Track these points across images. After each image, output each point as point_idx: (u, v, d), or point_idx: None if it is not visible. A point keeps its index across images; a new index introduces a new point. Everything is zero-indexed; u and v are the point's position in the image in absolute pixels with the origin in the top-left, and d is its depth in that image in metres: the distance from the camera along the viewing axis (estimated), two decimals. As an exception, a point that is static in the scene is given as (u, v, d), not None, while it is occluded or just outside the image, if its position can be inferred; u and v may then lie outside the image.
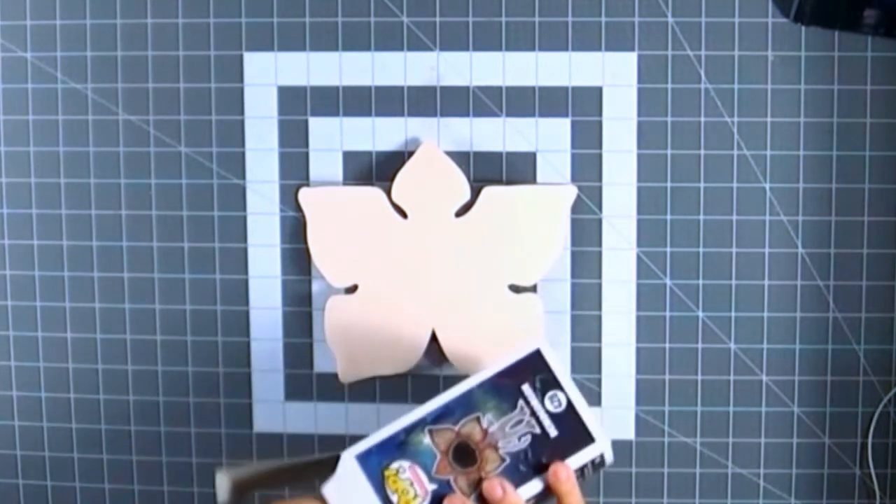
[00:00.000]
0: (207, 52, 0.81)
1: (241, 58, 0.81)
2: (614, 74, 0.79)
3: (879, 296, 0.79)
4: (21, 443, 0.85)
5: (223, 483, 0.63)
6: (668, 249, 0.80)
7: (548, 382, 0.61)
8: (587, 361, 0.81)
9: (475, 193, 0.79)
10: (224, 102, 0.81)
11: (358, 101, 0.81)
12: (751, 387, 0.80)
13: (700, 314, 0.80)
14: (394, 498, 0.60)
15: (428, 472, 0.60)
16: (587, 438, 0.60)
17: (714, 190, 0.79)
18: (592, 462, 0.61)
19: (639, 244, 0.80)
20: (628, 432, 0.81)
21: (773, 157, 0.79)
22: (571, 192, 0.79)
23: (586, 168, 0.80)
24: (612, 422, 0.81)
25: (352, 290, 0.81)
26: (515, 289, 0.80)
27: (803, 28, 0.77)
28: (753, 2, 0.78)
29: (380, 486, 0.60)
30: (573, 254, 0.80)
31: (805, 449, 0.81)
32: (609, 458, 0.62)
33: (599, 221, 0.80)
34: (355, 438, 0.82)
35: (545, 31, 0.79)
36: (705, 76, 0.79)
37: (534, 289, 0.80)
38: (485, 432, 0.61)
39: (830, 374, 0.80)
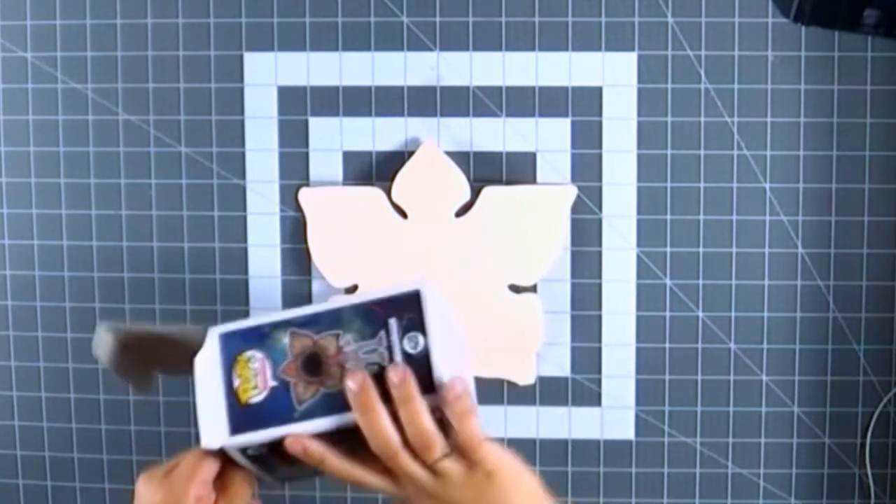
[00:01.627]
0: (207, 52, 0.81)
1: (241, 58, 0.81)
2: (614, 74, 0.79)
3: (879, 296, 0.79)
4: (21, 443, 0.85)
5: (106, 339, 0.64)
6: (668, 249, 0.80)
7: (414, 323, 0.60)
8: (587, 361, 0.81)
9: (475, 193, 0.79)
10: (224, 102, 0.81)
11: (358, 101, 0.81)
12: (751, 387, 0.80)
13: (700, 314, 0.80)
14: (236, 382, 0.61)
15: (275, 370, 0.61)
16: (428, 387, 0.58)
17: (714, 190, 0.79)
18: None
19: (639, 244, 0.80)
20: (628, 432, 0.81)
21: (773, 157, 0.79)
22: (571, 192, 0.79)
23: (586, 168, 0.80)
24: (612, 422, 0.81)
25: (352, 290, 0.81)
26: (515, 289, 0.80)
27: (803, 28, 0.77)
28: (753, 2, 0.78)
29: (229, 368, 0.61)
30: (573, 254, 0.80)
31: (805, 449, 0.81)
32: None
33: (599, 221, 0.80)
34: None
35: (545, 31, 0.79)
36: (705, 76, 0.79)
37: (534, 289, 0.80)
38: (339, 349, 0.60)
39: (830, 374, 0.80)
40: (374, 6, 0.80)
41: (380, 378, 0.58)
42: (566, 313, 0.81)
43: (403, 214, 0.80)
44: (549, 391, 0.81)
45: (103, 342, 0.65)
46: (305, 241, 0.81)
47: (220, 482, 0.64)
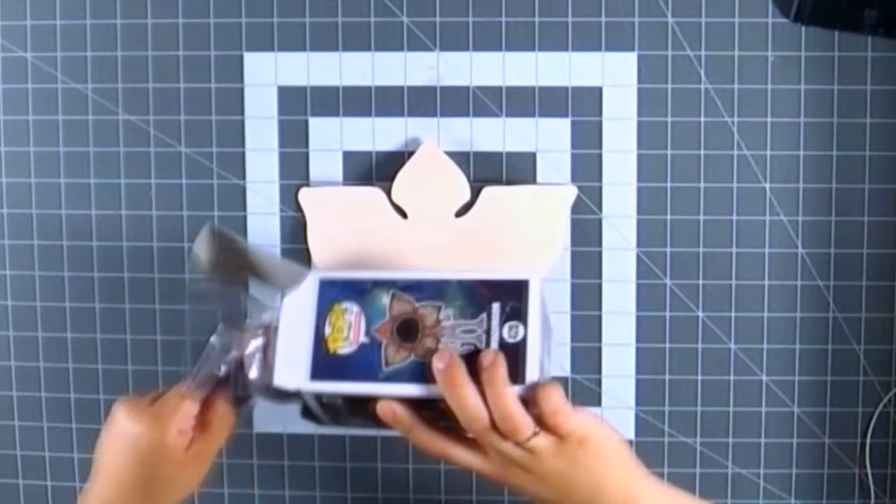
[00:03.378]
0: (207, 52, 0.81)
1: (241, 58, 0.81)
2: (614, 74, 0.79)
3: (879, 296, 0.79)
4: (21, 443, 0.85)
5: (208, 242, 0.67)
6: (668, 249, 0.80)
7: (516, 312, 0.60)
8: (587, 361, 0.81)
9: (475, 193, 0.79)
10: (224, 102, 0.81)
11: (358, 101, 0.81)
12: (751, 387, 0.80)
13: (700, 314, 0.80)
14: (327, 330, 0.61)
15: (369, 326, 0.61)
16: (519, 377, 0.58)
17: (714, 190, 0.79)
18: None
19: (639, 244, 0.80)
20: (628, 432, 0.81)
21: (773, 157, 0.79)
22: (571, 192, 0.79)
23: (586, 168, 0.80)
24: (612, 422, 0.81)
25: (352, 290, 0.81)
26: (515, 289, 0.80)
27: (803, 28, 0.77)
28: (753, 2, 0.78)
29: (323, 314, 0.62)
30: (573, 254, 0.80)
31: (805, 449, 0.81)
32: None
33: (599, 221, 0.80)
34: (355, 439, 0.82)
35: (545, 31, 0.79)
36: (705, 76, 0.79)
37: (534, 289, 0.80)
38: (437, 322, 0.60)
39: (830, 374, 0.80)
40: (374, 6, 0.80)
41: (471, 358, 0.58)
42: (566, 313, 0.81)
43: (403, 214, 0.80)
44: (549, 391, 0.81)
45: (205, 243, 0.67)
46: (305, 241, 0.81)
47: (200, 421, 0.64)
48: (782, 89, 0.79)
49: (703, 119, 0.79)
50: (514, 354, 0.59)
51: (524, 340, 0.59)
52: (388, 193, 0.80)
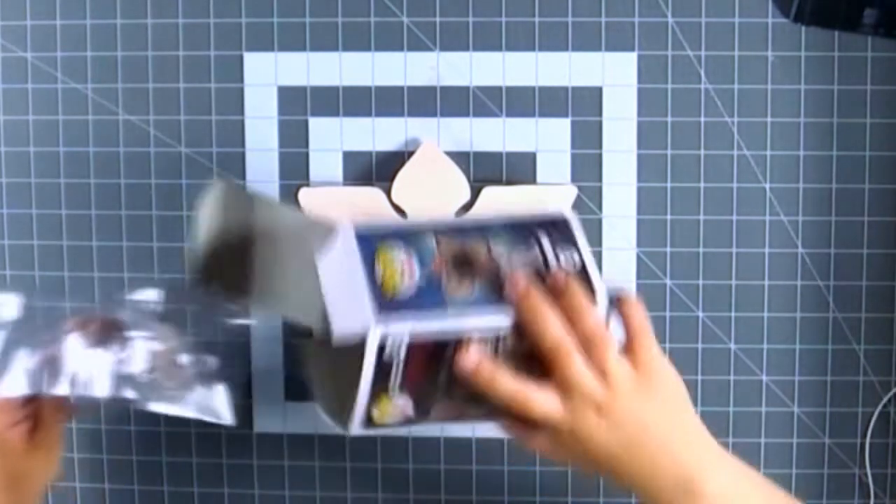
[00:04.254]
0: (207, 52, 0.81)
1: (241, 58, 0.81)
2: (614, 74, 0.79)
3: (879, 296, 0.79)
4: (21, 443, 0.84)
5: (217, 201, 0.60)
6: (668, 249, 0.80)
7: (566, 240, 0.58)
8: (587, 361, 0.81)
9: (475, 193, 0.79)
10: (224, 102, 0.81)
11: (358, 101, 0.81)
12: (751, 387, 0.80)
13: (700, 314, 0.80)
14: (378, 274, 0.56)
15: (422, 265, 0.57)
16: (589, 296, 0.56)
17: (714, 190, 0.79)
18: None
19: (639, 244, 0.80)
20: (628, 432, 0.81)
21: (773, 157, 0.79)
22: (571, 192, 0.79)
23: (586, 168, 0.80)
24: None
25: (352, 290, 0.81)
26: (515, 289, 0.80)
27: (803, 28, 0.77)
28: (753, 2, 0.78)
29: (370, 261, 0.56)
30: (573, 254, 0.80)
31: (805, 449, 0.81)
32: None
33: (599, 221, 0.80)
34: (355, 439, 0.82)
35: (545, 31, 0.79)
36: (705, 76, 0.79)
37: (534, 289, 0.80)
38: (490, 252, 0.58)
39: (830, 374, 0.80)
40: (374, 6, 0.80)
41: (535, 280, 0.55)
42: (566, 313, 0.80)
43: (403, 214, 0.80)
44: (549, 391, 0.81)
45: (210, 214, 0.60)
46: (305, 241, 0.81)
47: (34, 410, 0.65)
48: (782, 89, 0.79)
49: (703, 119, 0.79)
50: (579, 280, 0.57)
51: (584, 266, 0.57)
52: (388, 193, 0.80)
